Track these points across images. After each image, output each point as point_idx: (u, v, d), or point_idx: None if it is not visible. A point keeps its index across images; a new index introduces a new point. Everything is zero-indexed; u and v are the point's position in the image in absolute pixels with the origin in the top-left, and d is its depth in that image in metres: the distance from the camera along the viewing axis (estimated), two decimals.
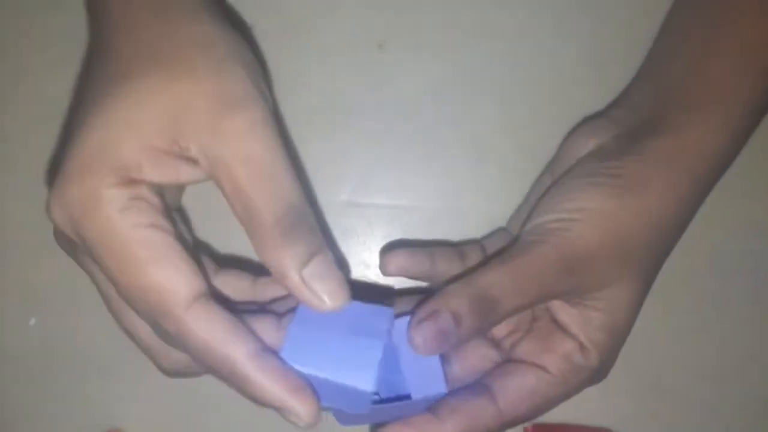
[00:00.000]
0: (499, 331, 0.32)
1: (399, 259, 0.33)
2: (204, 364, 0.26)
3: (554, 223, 0.30)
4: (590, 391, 0.37)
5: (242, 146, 0.26)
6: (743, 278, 0.38)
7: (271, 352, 0.26)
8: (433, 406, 0.29)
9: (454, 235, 0.37)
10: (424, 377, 0.28)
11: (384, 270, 0.33)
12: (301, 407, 0.25)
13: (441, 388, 0.28)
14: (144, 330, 0.28)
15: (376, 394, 0.28)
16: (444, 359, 0.30)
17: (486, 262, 0.30)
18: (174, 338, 0.26)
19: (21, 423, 0.38)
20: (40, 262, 0.37)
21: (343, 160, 0.38)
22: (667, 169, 0.30)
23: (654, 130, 0.31)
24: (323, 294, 0.26)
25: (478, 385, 0.30)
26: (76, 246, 0.27)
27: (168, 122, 0.26)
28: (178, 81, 0.26)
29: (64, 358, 0.37)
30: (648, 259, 0.30)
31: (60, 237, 0.28)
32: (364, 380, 0.26)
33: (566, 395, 0.30)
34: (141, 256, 0.25)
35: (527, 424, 0.37)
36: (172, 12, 0.28)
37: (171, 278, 0.25)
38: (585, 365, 0.30)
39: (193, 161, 0.26)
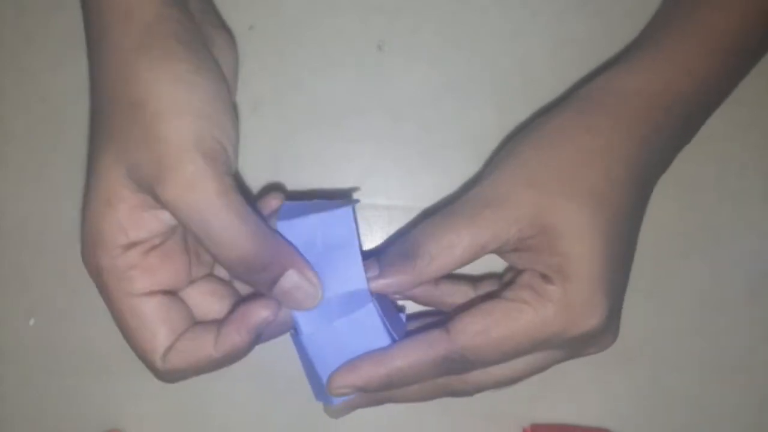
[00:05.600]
0: None
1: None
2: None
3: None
4: (590, 391, 0.37)
5: (182, 211, 0.28)
6: (742, 278, 0.38)
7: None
8: None
9: None
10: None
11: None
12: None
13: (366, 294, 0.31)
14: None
15: None
16: None
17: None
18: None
19: (21, 423, 0.38)
20: (40, 262, 0.37)
21: (342, 161, 0.38)
22: (573, 102, 0.32)
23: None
24: (296, 305, 0.30)
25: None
26: None
27: (134, 185, 0.29)
28: (126, 153, 0.29)
29: (64, 358, 0.37)
30: (566, 181, 0.30)
31: None
32: (357, 281, 0.30)
33: (536, 330, 0.29)
34: (128, 322, 0.30)
35: (527, 426, 0.37)
36: (135, 58, 0.29)
37: (150, 341, 0.30)
38: (550, 288, 0.29)
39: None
